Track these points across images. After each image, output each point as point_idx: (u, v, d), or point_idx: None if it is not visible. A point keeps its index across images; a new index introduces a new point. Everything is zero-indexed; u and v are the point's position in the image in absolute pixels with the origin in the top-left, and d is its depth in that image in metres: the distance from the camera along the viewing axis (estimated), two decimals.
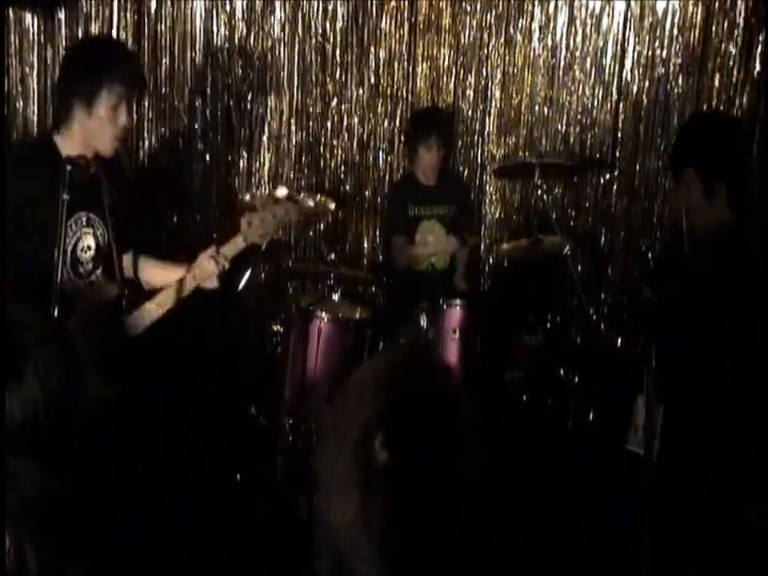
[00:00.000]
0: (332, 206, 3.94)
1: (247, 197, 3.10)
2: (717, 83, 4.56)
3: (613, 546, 2.98)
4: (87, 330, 2.69)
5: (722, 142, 2.66)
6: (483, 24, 4.84)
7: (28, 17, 4.39)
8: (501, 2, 4.81)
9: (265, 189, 4.77)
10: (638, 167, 4.77)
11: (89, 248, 2.88)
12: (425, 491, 1.00)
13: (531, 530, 3.21)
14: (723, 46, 4.52)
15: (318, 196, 3.91)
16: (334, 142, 4.94)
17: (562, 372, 4.24)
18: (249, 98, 4.81)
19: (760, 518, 2.40)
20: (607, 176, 4.84)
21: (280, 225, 3.08)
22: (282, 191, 3.12)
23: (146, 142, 4.64)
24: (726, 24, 4.50)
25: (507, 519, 2.99)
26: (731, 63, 4.51)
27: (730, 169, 2.61)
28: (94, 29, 4.46)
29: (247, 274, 3.84)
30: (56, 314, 2.50)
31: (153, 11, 4.54)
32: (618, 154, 4.81)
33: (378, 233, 5.02)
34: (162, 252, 3.24)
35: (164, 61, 4.63)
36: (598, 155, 4.83)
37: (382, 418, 1.01)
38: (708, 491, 2.53)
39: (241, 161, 4.86)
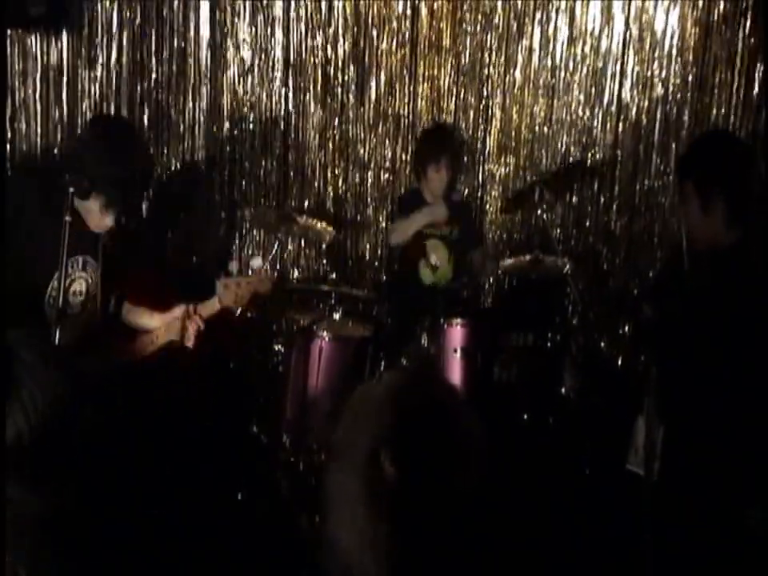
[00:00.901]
0: (332, 230, 3.98)
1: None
2: (716, 101, 4.59)
3: (615, 562, 2.98)
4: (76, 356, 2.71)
5: (723, 160, 2.68)
6: (483, 44, 4.87)
7: (30, 38, 4.45)
8: (501, 23, 4.84)
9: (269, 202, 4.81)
10: (638, 185, 4.80)
11: (80, 293, 2.92)
12: (430, 507, 1.01)
13: (533, 544, 3.21)
14: (722, 64, 4.56)
15: (317, 222, 3.97)
16: (336, 162, 4.97)
17: (562, 390, 4.24)
18: (250, 119, 4.85)
19: (760, 521, 2.41)
20: (608, 194, 4.87)
21: (252, 293, 3.09)
22: (257, 261, 3.15)
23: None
24: (724, 42, 4.54)
25: (510, 534, 3.00)
26: (731, 82, 4.55)
27: (729, 187, 2.63)
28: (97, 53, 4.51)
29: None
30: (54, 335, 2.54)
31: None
32: (617, 172, 4.84)
33: (379, 252, 5.04)
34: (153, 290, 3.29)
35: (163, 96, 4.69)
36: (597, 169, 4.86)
37: (389, 435, 1.03)
38: (709, 508, 2.53)
39: (243, 182, 4.90)
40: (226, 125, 4.84)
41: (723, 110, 4.59)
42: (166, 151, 4.77)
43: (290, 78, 4.84)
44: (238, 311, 3.14)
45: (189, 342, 3.05)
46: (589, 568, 3.10)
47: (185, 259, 4.84)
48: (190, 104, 4.77)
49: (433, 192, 4.39)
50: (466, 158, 4.95)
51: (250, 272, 3.11)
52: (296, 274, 4.97)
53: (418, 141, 4.67)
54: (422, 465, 1.02)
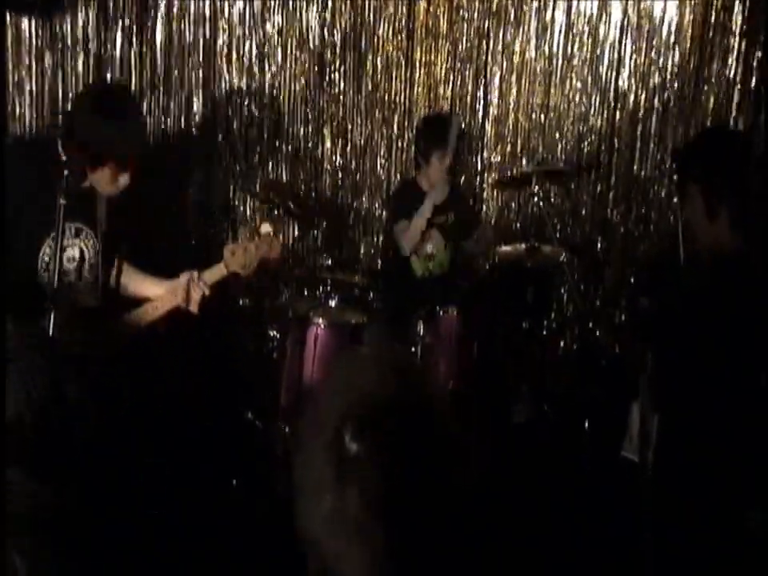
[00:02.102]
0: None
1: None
2: (714, 90, 4.59)
3: (611, 554, 2.99)
4: (71, 334, 2.70)
5: (733, 166, 2.61)
6: (481, 31, 4.85)
7: (25, 21, 4.41)
8: (498, 9, 4.82)
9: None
10: (634, 174, 4.80)
11: (74, 259, 2.90)
12: (395, 483, 1.00)
13: (526, 535, 3.22)
14: (720, 53, 4.55)
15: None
16: (332, 148, 4.95)
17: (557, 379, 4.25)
18: (246, 104, 4.82)
19: (760, 523, 2.41)
20: (604, 183, 4.87)
21: (260, 258, 3.12)
22: (266, 227, 3.17)
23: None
24: (723, 31, 4.54)
25: (499, 524, 3.01)
26: (729, 70, 4.55)
27: (737, 194, 2.57)
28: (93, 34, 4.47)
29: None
30: (51, 317, 2.52)
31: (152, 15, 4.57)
32: (614, 161, 4.83)
33: (374, 238, 5.03)
34: (151, 263, 3.26)
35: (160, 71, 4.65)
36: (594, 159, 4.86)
37: (351, 412, 1.02)
38: (704, 498, 2.54)
39: (237, 165, 4.87)
40: (223, 110, 4.82)
41: (721, 99, 4.58)
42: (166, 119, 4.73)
43: (287, 62, 4.82)
44: (245, 273, 3.13)
45: (193, 308, 3.04)
46: (584, 561, 3.11)
47: (189, 224, 4.83)
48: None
49: (434, 180, 4.31)
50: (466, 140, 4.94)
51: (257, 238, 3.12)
52: (291, 261, 4.97)
53: (420, 128, 4.53)
54: (383, 440, 1.00)
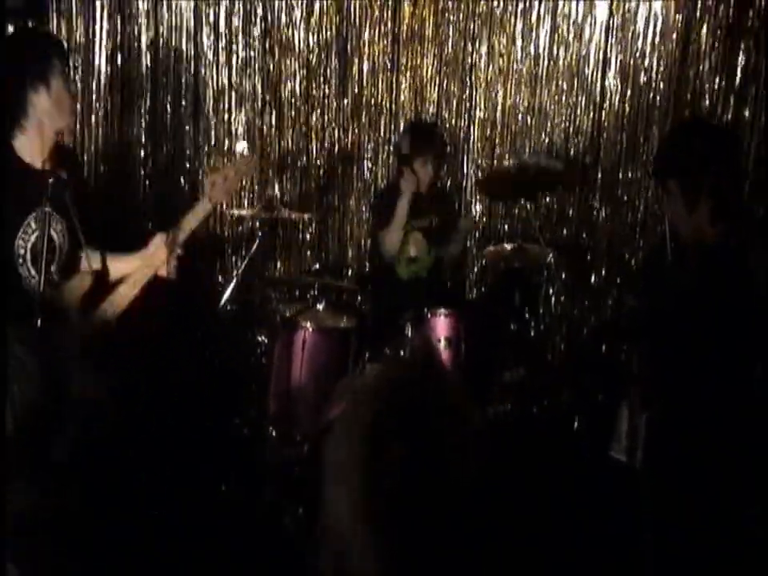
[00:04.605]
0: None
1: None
2: (699, 89, 4.59)
3: (601, 554, 2.98)
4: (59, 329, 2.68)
5: (706, 156, 2.60)
6: (466, 34, 4.85)
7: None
8: (483, 12, 4.82)
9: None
10: (620, 175, 4.80)
11: (44, 248, 2.84)
12: (425, 482, 1.02)
13: (523, 534, 3.21)
14: (705, 53, 4.56)
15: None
16: (318, 152, 4.94)
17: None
18: (232, 107, 4.82)
19: (757, 521, 2.41)
20: (591, 183, 4.87)
21: (242, 178, 3.17)
22: (241, 145, 3.13)
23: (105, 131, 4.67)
24: (707, 30, 4.54)
25: (499, 521, 2.99)
26: (713, 70, 4.55)
27: (714, 184, 2.57)
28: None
29: (230, 287, 3.84)
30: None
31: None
32: (600, 161, 4.83)
33: (362, 242, 5.02)
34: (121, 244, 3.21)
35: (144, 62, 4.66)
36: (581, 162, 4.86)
37: (392, 412, 1.05)
38: (694, 497, 2.53)
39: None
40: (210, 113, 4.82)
41: (706, 99, 4.59)
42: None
43: (271, 68, 4.82)
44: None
45: (171, 273, 2.99)
46: (574, 560, 3.10)
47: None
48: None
49: (417, 187, 4.26)
50: (449, 148, 4.94)
51: (234, 159, 3.12)
52: (279, 265, 4.96)
53: (402, 135, 4.51)
54: (421, 441, 1.03)
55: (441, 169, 4.63)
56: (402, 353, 3.74)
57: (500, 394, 4.11)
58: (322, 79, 4.86)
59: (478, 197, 5.01)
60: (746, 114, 4.46)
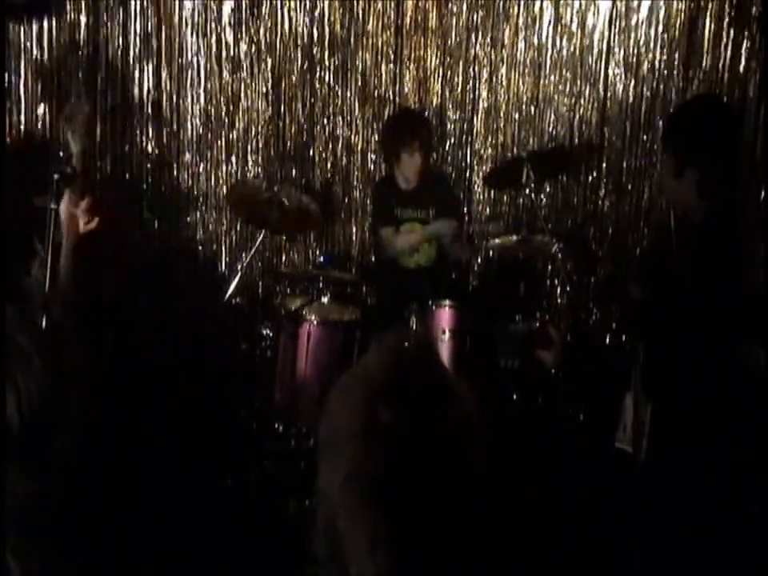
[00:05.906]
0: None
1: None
2: (703, 78, 4.57)
3: (604, 544, 2.98)
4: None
5: (701, 126, 2.63)
6: (469, 25, 4.84)
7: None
8: (487, 3, 4.81)
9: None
10: (624, 165, 4.78)
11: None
12: (415, 450, 1.03)
13: (523, 525, 3.22)
14: (710, 41, 4.54)
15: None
16: (322, 144, 4.94)
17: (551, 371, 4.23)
18: (237, 99, 4.83)
19: (756, 514, 2.41)
20: (594, 173, 4.85)
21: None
22: None
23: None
24: (712, 21, 4.52)
25: (499, 513, 3.00)
26: (717, 58, 4.53)
27: (704, 154, 2.59)
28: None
29: (235, 281, 3.85)
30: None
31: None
32: (604, 151, 4.82)
33: (366, 234, 5.02)
34: None
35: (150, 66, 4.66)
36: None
37: (386, 387, 1.06)
38: (698, 487, 2.54)
39: (228, 165, 4.87)
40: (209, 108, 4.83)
41: (710, 87, 4.56)
42: None
43: (276, 59, 4.82)
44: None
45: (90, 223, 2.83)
46: (577, 552, 3.10)
47: None
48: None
49: (407, 176, 4.34)
50: (452, 139, 4.93)
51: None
52: (283, 258, 4.96)
53: (385, 128, 4.60)
54: (409, 413, 1.03)
55: (430, 155, 4.61)
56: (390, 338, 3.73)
57: (509, 347, 4.09)
58: (325, 71, 4.85)
59: (480, 186, 5.00)
60: (750, 94, 4.44)
